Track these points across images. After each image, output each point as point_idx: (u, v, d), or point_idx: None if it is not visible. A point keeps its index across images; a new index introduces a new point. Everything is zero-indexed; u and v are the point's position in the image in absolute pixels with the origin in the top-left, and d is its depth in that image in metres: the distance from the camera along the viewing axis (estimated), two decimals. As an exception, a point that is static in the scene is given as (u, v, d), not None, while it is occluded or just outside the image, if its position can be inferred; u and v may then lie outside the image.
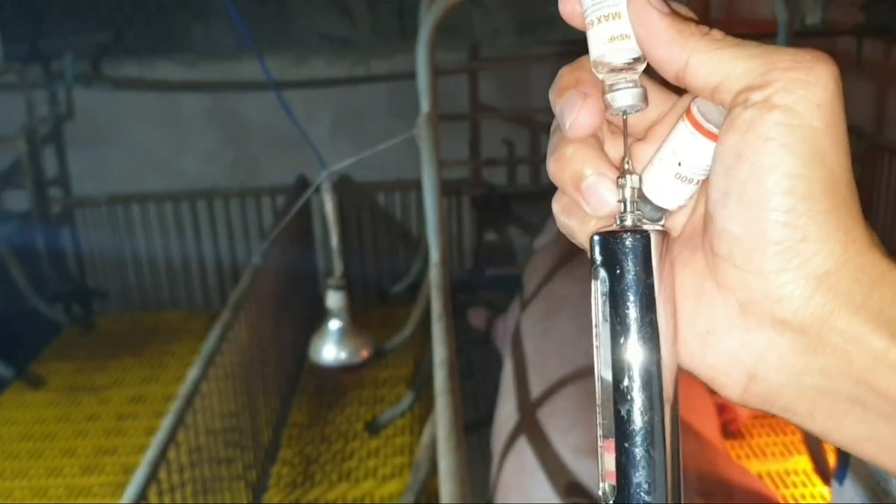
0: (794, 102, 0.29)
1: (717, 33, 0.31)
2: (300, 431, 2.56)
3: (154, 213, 3.43)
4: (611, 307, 0.31)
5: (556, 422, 1.52)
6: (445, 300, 1.37)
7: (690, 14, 0.33)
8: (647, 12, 0.31)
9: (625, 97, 0.33)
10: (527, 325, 2.03)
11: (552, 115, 0.36)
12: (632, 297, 0.31)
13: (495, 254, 3.48)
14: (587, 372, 1.66)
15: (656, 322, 0.31)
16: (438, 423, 1.24)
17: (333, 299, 1.74)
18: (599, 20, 0.33)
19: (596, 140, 0.34)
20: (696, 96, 0.32)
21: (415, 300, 2.85)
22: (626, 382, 0.31)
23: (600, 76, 0.34)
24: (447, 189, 2.95)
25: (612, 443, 0.32)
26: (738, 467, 1.54)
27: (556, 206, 0.35)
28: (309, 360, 2.25)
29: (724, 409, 2.30)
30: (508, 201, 3.46)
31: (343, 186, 3.31)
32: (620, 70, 0.33)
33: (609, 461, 0.32)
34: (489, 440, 1.87)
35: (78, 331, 3.32)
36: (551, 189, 0.35)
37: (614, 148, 0.35)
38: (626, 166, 0.33)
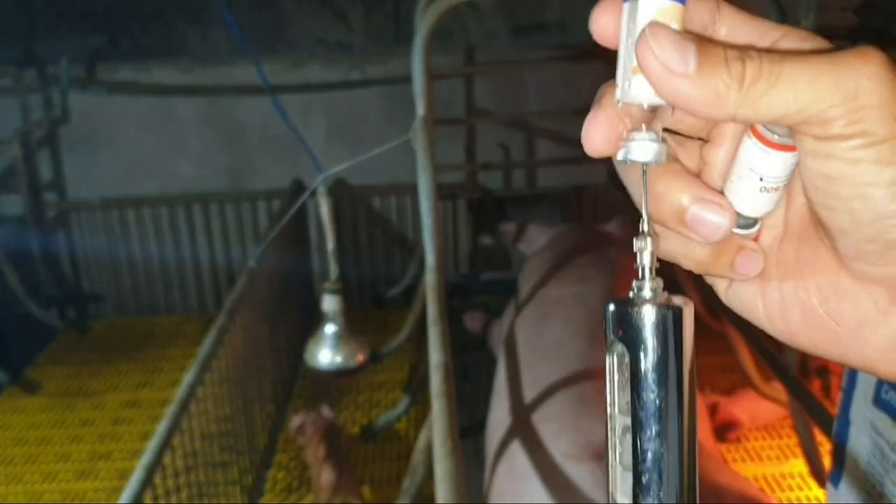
0: (867, 127, 0.27)
1: (754, 69, 0.27)
2: (296, 436, 2.56)
3: (149, 217, 3.42)
4: (633, 391, 0.28)
5: (547, 426, 1.52)
6: (441, 304, 1.37)
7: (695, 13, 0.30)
8: (670, 83, 0.28)
9: (642, 152, 0.30)
10: (519, 329, 2.03)
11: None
12: (658, 381, 0.28)
13: (491, 258, 3.48)
14: (578, 376, 1.66)
15: (685, 409, 0.29)
16: (434, 428, 1.24)
17: (329, 303, 1.73)
18: (628, 49, 0.30)
19: (677, 164, 0.32)
20: None
21: (410, 304, 2.84)
22: (648, 476, 0.28)
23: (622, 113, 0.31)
24: (443, 193, 2.95)
25: None
26: (731, 471, 1.54)
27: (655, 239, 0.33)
28: (304, 365, 2.24)
29: (725, 415, 2.30)
30: (504, 205, 3.46)
31: (339, 190, 3.30)
32: (643, 114, 0.30)
33: None
34: (484, 444, 1.87)
35: (72, 335, 3.31)
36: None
37: (686, 155, 0.33)
38: (645, 228, 0.30)
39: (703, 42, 0.28)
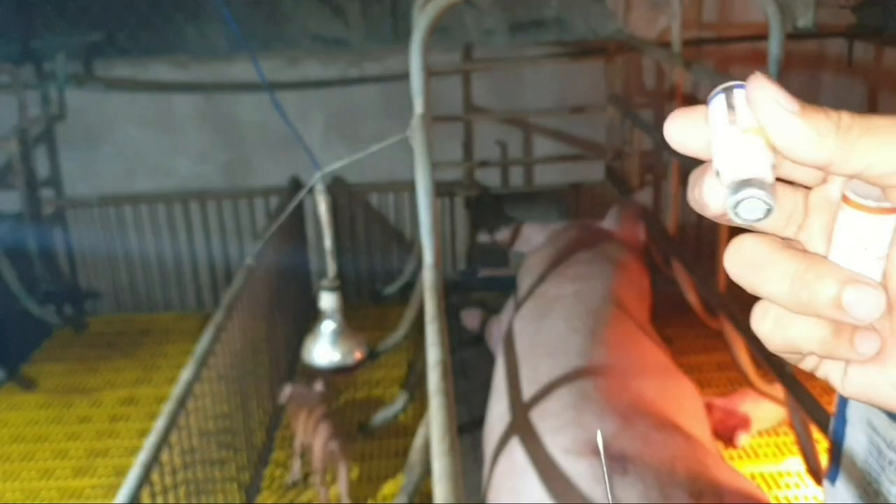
0: None
1: (847, 119, 0.30)
2: (293, 433, 2.56)
3: (146, 213, 3.42)
4: None
5: (547, 423, 1.53)
6: (439, 301, 1.37)
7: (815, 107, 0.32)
8: (780, 116, 0.31)
9: (754, 210, 0.31)
10: (519, 326, 2.03)
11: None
12: None
13: (488, 255, 3.48)
14: (578, 373, 1.66)
15: None
16: (432, 425, 1.24)
17: (327, 301, 1.73)
18: (731, 135, 0.32)
19: (792, 243, 0.33)
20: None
21: (408, 301, 2.84)
22: None
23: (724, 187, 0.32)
24: (440, 190, 2.95)
25: None
26: (729, 468, 1.54)
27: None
28: (302, 362, 2.24)
29: (731, 415, 2.29)
30: (502, 202, 3.46)
31: (336, 188, 3.30)
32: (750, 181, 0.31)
33: None
34: (482, 441, 1.87)
35: (70, 332, 3.30)
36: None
37: (789, 199, 0.34)
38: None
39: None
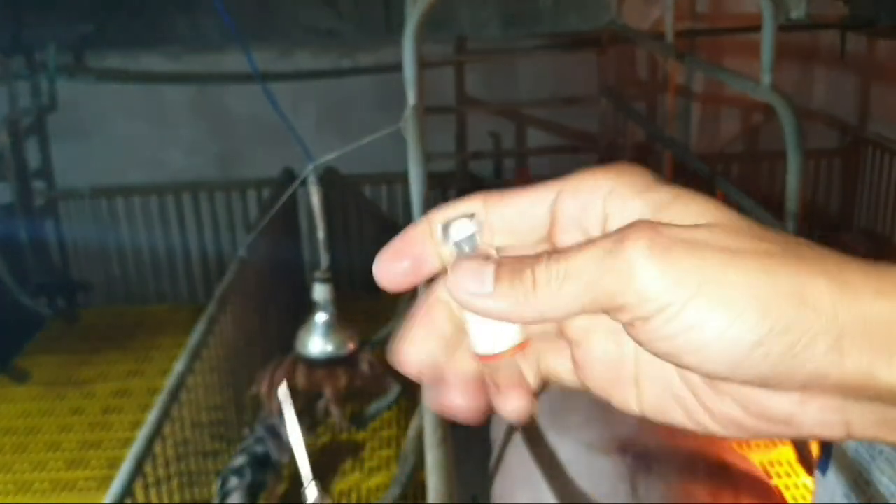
0: (662, 299, 0.29)
1: (542, 272, 0.31)
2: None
3: (138, 205, 3.41)
4: None
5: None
6: (432, 293, 1.37)
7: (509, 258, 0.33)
8: (476, 305, 0.32)
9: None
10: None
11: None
12: None
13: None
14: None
15: None
16: (425, 416, 1.24)
17: (320, 292, 1.74)
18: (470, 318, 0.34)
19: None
20: None
21: (401, 293, 2.84)
22: None
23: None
24: (434, 182, 2.94)
25: None
26: (737, 453, 1.55)
27: None
28: (295, 353, 2.24)
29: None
30: (495, 194, 3.45)
31: (329, 179, 3.29)
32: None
33: None
34: (477, 431, 1.87)
35: (62, 324, 3.29)
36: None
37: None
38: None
39: (500, 262, 0.32)
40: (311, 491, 0.30)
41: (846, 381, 0.29)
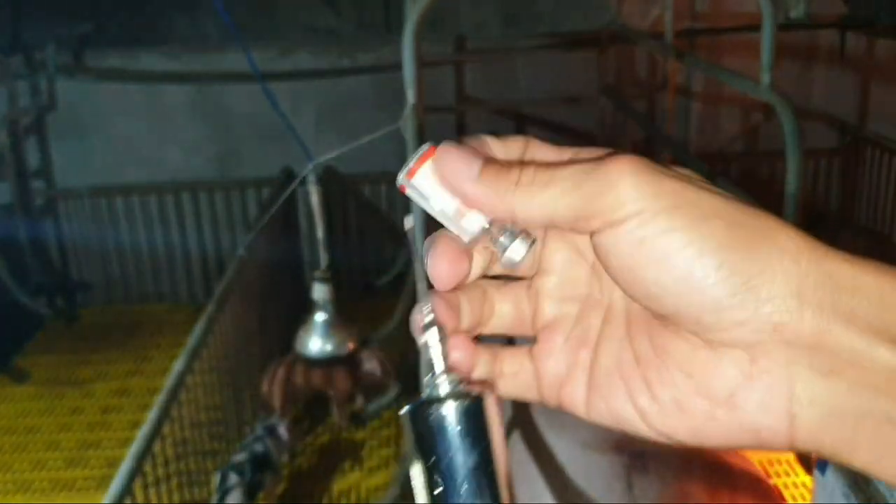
0: (632, 207, 0.30)
1: (528, 174, 0.32)
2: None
3: (138, 205, 3.41)
4: (440, 486, 0.27)
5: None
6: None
7: (507, 152, 0.34)
8: (460, 183, 0.33)
9: (514, 252, 0.33)
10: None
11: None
12: (450, 480, 0.27)
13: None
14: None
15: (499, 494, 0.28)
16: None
17: (319, 292, 1.74)
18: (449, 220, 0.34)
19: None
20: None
21: (400, 292, 2.84)
22: None
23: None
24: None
25: None
26: (743, 459, 1.55)
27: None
28: (296, 353, 2.24)
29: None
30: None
31: (328, 178, 3.29)
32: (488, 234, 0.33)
33: None
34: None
35: (61, 324, 3.29)
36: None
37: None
38: (426, 318, 0.32)
39: (487, 157, 0.33)
40: (441, 381, 0.29)
41: (801, 335, 0.29)
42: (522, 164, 0.33)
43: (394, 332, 2.85)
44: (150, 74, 3.32)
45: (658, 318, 0.32)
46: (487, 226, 0.33)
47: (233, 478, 1.92)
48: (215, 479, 1.94)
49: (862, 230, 3.32)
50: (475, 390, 0.30)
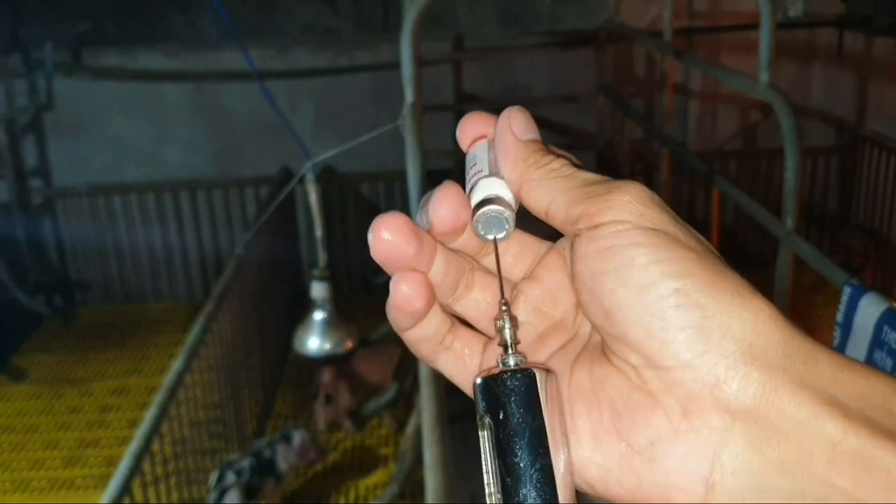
0: (615, 215, 0.31)
1: (556, 164, 0.34)
2: (284, 423, 2.56)
3: (136, 203, 3.40)
4: (499, 457, 0.29)
5: None
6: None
7: (560, 152, 0.35)
8: (505, 135, 0.35)
9: (496, 226, 0.35)
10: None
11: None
12: (520, 444, 0.29)
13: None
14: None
15: (550, 467, 0.29)
16: (423, 414, 1.24)
17: (317, 290, 1.73)
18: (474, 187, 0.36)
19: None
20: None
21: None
22: None
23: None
24: (431, 180, 2.94)
25: None
26: None
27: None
28: (293, 351, 2.24)
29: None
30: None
31: (327, 177, 3.29)
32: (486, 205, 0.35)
33: None
34: (476, 429, 1.87)
35: (59, 322, 3.29)
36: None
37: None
38: (503, 307, 0.34)
39: (539, 140, 0.36)
40: (509, 358, 0.30)
41: (742, 399, 0.28)
42: (560, 156, 0.35)
43: (392, 331, 2.85)
44: (149, 73, 3.31)
45: (607, 349, 0.32)
46: (499, 194, 0.35)
47: (230, 477, 1.92)
48: (212, 476, 1.94)
49: (859, 227, 3.33)
50: (538, 368, 0.31)
